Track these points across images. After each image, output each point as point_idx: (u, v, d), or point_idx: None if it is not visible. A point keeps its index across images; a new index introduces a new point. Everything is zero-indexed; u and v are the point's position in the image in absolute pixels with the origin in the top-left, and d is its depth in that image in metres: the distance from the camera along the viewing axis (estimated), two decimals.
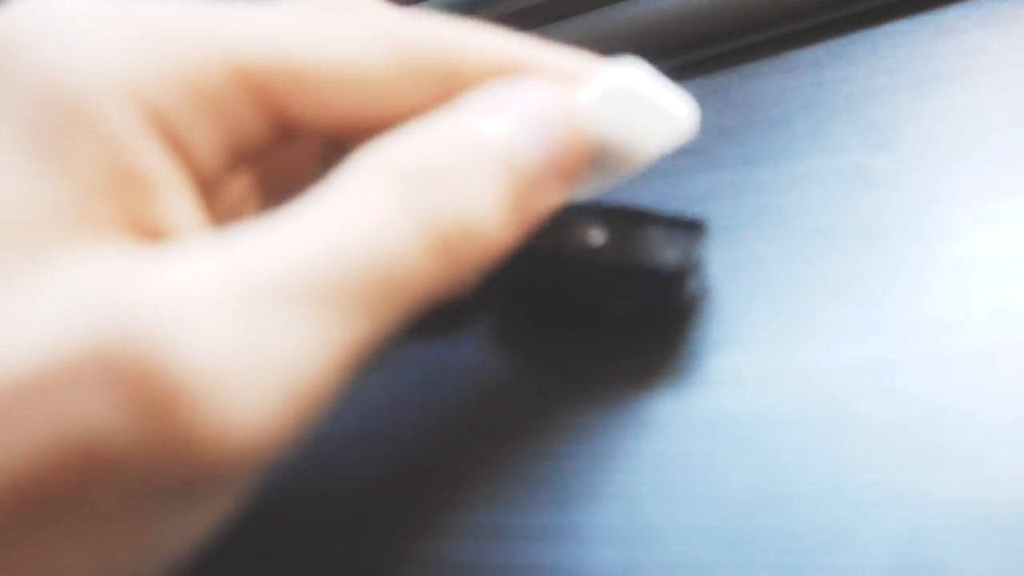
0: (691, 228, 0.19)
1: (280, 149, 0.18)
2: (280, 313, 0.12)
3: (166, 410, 0.11)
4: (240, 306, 0.11)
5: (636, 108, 0.17)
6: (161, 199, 0.13)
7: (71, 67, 0.13)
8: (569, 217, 0.20)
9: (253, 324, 0.11)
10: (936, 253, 0.19)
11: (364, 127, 0.16)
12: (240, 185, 0.18)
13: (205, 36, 0.14)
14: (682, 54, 0.28)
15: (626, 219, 0.20)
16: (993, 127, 0.22)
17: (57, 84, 0.13)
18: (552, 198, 0.16)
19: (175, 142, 0.14)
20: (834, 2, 0.27)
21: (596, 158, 0.17)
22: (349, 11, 0.17)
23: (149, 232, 0.13)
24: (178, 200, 0.14)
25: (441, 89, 0.16)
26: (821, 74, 0.26)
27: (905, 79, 0.24)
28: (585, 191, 0.18)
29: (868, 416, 0.17)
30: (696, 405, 0.18)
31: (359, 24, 0.16)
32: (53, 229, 0.12)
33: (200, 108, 0.14)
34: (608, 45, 0.28)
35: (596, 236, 0.19)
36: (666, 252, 0.19)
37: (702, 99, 0.27)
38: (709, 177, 0.23)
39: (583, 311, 0.20)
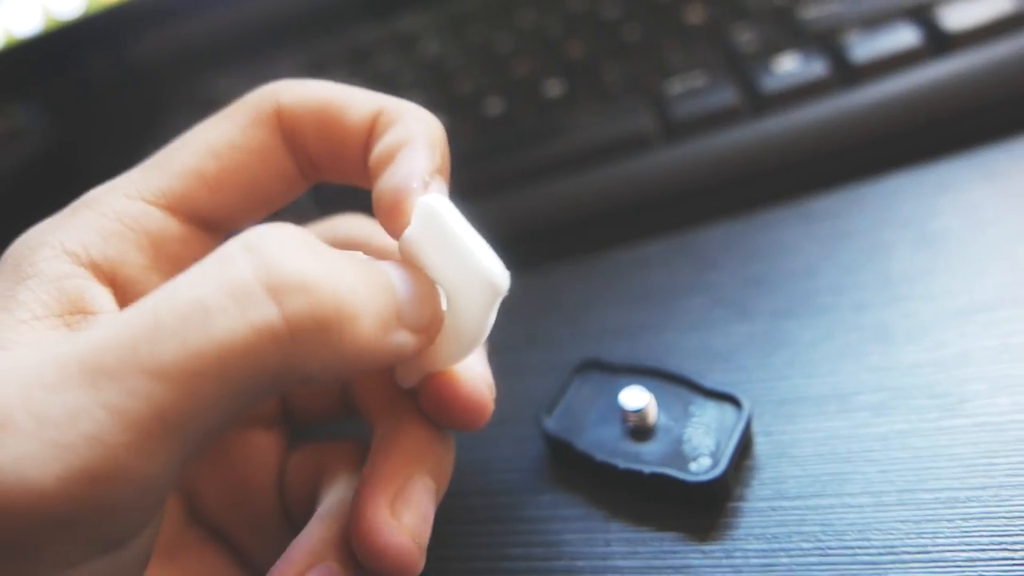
0: (736, 418, 0.21)
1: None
2: (71, 389, 0.13)
3: None
4: (48, 380, 0.13)
5: (446, 244, 0.17)
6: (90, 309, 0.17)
7: (28, 244, 0.17)
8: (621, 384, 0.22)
9: (50, 396, 0.13)
10: (955, 417, 0.21)
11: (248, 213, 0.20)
12: None
13: (92, 193, 0.19)
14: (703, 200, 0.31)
15: (675, 399, 0.22)
16: (1001, 285, 0.24)
17: (15, 251, 0.17)
18: (405, 340, 0.16)
19: (106, 273, 0.17)
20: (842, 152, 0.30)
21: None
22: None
23: None
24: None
25: (279, 132, 0.19)
26: (837, 225, 0.28)
27: (915, 234, 0.27)
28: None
29: None
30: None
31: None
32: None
33: (104, 236, 0.18)
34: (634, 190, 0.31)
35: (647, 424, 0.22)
36: (709, 461, 0.20)
37: (725, 246, 0.29)
38: (741, 329, 0.26)
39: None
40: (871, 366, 0.23)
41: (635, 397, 0.22)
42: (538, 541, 0.22)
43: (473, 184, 0.33)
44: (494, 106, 0.35)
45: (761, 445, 0.22)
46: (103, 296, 0.17)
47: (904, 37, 0.30)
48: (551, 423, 0.23)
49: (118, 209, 0.18)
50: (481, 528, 0.22)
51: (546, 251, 0.31)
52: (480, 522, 0.23)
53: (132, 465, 0.13)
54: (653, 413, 0.22)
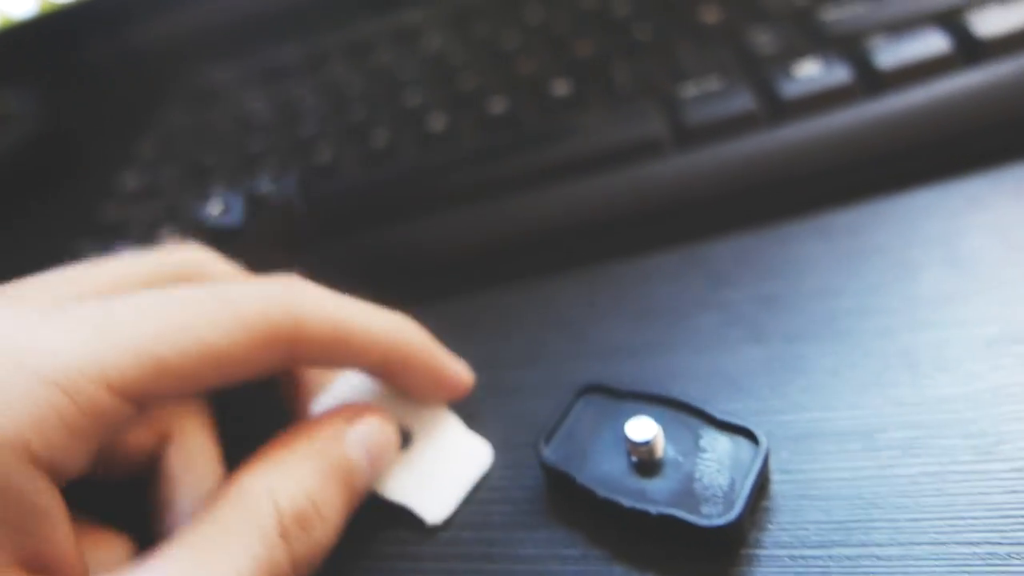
0: (752, 454, 0.20)
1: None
2: None
3: None
4: None
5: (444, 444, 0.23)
6: (44, 531, 0.16)
7: None
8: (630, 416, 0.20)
9: None
10: (992, 461, 0.19)
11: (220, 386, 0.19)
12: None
13: (69, 367, 0.17)
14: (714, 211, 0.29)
15: (684, 431, 0.21)
16: None
17: None
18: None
19: (55, 472, 0.17)
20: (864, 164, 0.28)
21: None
22: (203, 285, 0.20)
23: (35, 563, 0.16)
24: (60, 530, 0.17)
25: (286, 355, 0.20)
26: (859, 241, 0.26)
27: (943, 254, 0.25)
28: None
29: None
30: None
31: (211, 305, 0.19)
32: None
33: (72, 433, 0.17)
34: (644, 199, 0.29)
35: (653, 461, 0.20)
36: (723, 507, 0.19)
37: (739, 260, 0.27)
38: (755, 352, 0.24)
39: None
40: (897, 399, 0.21)
41: (642, 428, 0.20)
42: None
43: (473, 186, 0.31)
44: (497, 105, 0.34)
45: (779, 484, 0.20)
46: (55, 502, 0.17)
47: (933, 43, 0.29)
48: (550, 453, 0.21)
49: (91, 399, 0.17)
50: (471, 566, 0.21)
51: (548, 261, 0.30)
52: (470, 559, 0.21)
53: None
54: (661, 446, 0.20)
